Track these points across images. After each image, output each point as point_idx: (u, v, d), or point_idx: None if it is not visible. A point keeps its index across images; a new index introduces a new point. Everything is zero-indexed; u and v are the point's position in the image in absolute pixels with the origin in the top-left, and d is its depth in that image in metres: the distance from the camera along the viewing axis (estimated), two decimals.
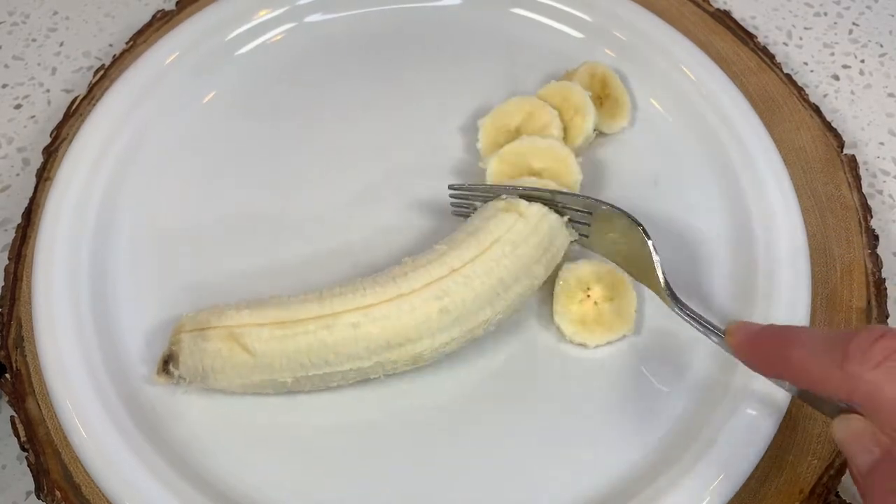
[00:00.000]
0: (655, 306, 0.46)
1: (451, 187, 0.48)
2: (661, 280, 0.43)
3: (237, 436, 0.44)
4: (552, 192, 0.46)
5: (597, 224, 0.45)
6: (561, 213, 0.45)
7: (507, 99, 0.52)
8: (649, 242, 0.43)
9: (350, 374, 0.42)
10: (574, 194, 0.46)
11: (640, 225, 0.43)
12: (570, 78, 0.54)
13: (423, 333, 0.41)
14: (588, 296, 0.46)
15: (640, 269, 0.44)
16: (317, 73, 0.57)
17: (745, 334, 0.38)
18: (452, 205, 0.48)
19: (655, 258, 0.43)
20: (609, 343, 0.46)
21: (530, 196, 0.45)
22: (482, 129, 0.52)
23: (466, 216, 0.47)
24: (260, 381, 0.42)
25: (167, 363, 0.42)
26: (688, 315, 0.42)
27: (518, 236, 0.43)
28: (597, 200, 0.44)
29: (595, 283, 0.46)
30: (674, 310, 0.43)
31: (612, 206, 0.44)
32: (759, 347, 0.37)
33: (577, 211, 0.45)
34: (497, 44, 0.59)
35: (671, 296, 0.43)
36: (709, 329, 0.41)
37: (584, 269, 0.46)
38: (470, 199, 0.48)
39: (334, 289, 0.43)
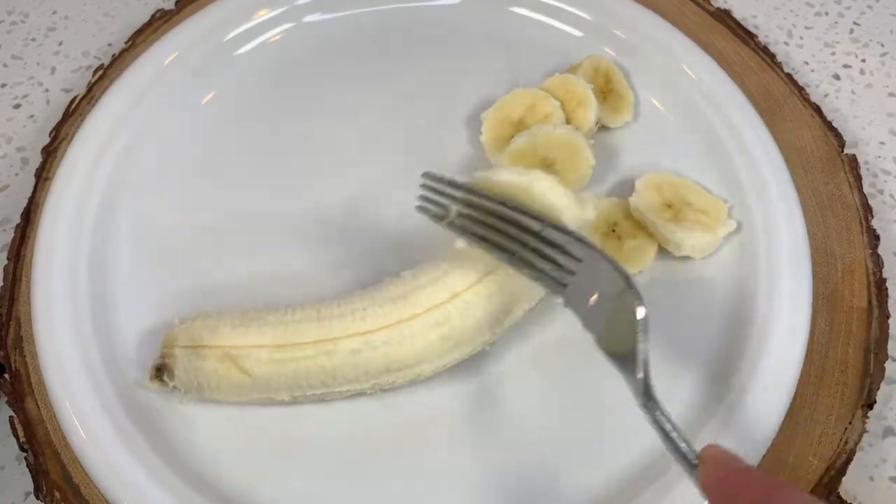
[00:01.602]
0: (659, 302, 0.45)
1: (424, 176, 0.41)
2: (641, 373, 0.34)
3: (235, 436, 0.43)
4: (541, 222, 0.38)
5: (580, 272, 0.37)
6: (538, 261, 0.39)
7: (509, 92, 0.52)
8: (639, 310, 0.33)
9: (347, 393, 0.42)
10: (564, 230, 0.38)
11: (633, 288, 0.34)
12: (574, 71, 0.54)
13: (422, 359, 0.41)
14: (613, 231, 0.48)
15: (617, 342, 0.35)
16: (316, 72, 0.57)
17: (719, 472, 0.33)
18: (420, 196, 0.41)
19: (640, 340, 0.33)
20: None
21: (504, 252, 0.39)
22: (485, 121, 0.52)
23: (431, 215, 0.42)
24: (257, 398, 0.42)
25: (160, 371, 0.42)
26: (657, 425, 0.34)
27: None
28: (595, 249, 0.36)
29: (623, 219, 0.48)
30: (645, 413, 0.35)
31: (605, 255, 0.36)
32: (729, 499, 0.32)
33: (562, 252, 0.37)
34: (497, 43, 0.59)
35: (646, 395, 0.34)
36: (679, 452, 0.34)
37: (611, 207, 0.48)
38: (442, 196, 0.41)
39: (332, 307, 0.42)
